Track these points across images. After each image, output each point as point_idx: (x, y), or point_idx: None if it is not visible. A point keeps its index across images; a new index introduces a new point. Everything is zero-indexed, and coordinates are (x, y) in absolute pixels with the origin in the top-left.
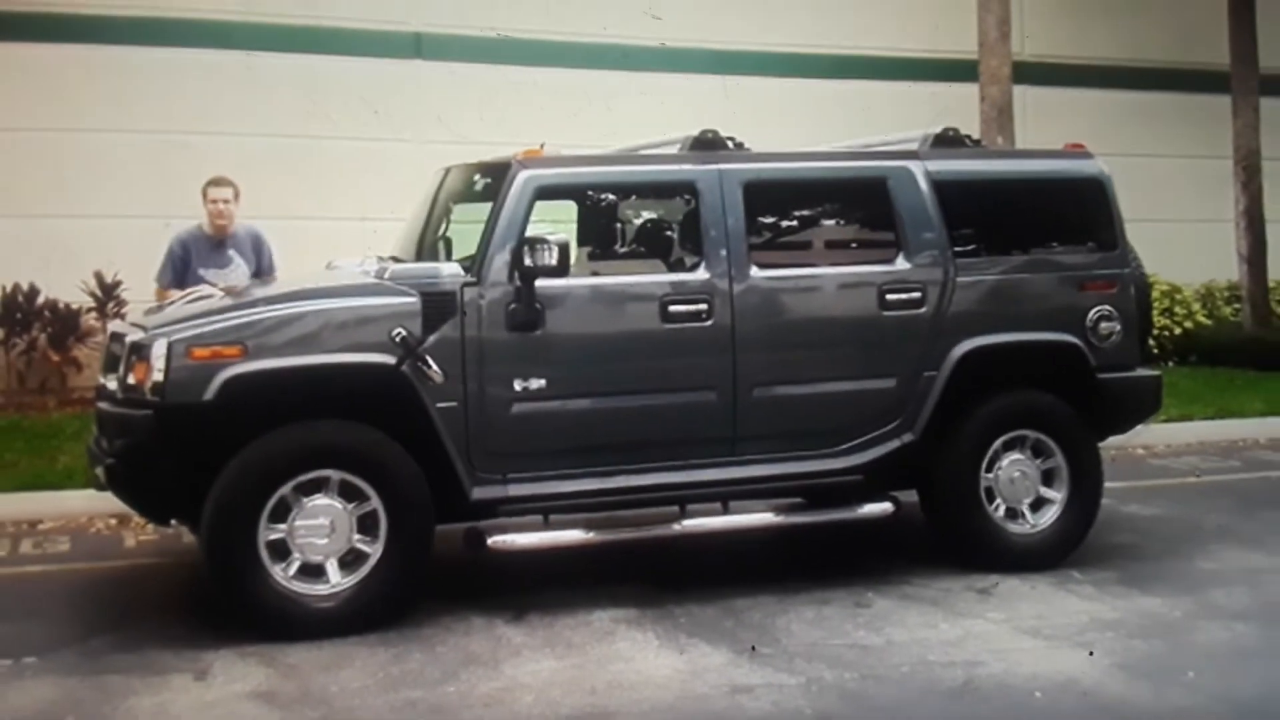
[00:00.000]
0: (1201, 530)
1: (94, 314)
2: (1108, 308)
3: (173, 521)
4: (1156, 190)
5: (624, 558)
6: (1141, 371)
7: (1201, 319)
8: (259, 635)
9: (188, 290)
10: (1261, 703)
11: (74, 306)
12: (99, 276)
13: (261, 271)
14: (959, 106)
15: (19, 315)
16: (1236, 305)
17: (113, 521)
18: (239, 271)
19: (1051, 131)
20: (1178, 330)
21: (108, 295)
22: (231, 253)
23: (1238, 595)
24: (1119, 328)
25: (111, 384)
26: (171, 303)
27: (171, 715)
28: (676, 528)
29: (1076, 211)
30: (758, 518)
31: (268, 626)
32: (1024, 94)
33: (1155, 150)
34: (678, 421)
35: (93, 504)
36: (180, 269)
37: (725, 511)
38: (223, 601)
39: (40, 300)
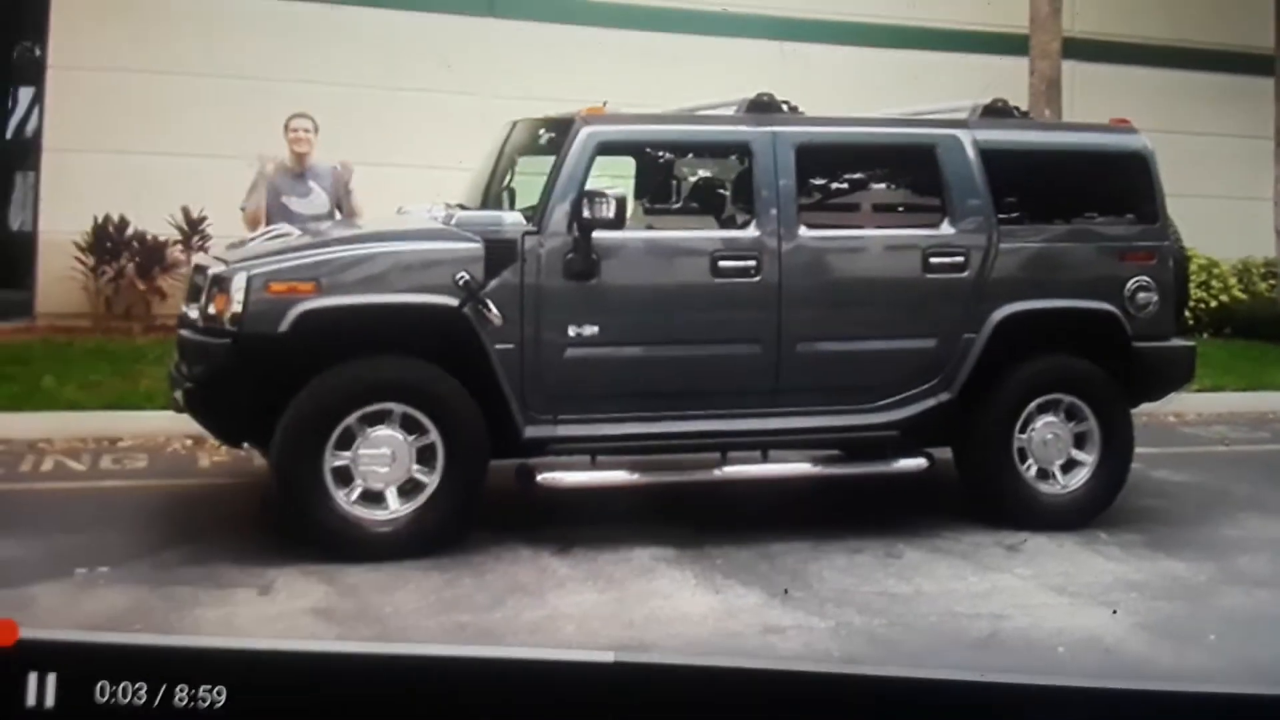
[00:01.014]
0: (1228, 498)
1: (179, 246)
2: (1146, 278)
3: (245, 445)
4: (1198, 167)
5: (666, 500)
6: (1176, 342)
7: (1238, 293)
8: (321, 555)
9: (268, 228)
10: None
11: (161, 239)
12: (185, 211)
13: (342, 208)
14: (1009, 79)
15: (109, 245)
16: (1272, 281)
17: (189, 443)
18: (319, 200)
19: (1098, 107)
20: (1214, 303)
21: (193, 229)
22: (311, 184)
23: (1261, 562)
24: (1156, 298)
25: (193, 313)
26: (253, 239)
27: (235, 626)
28: (717, 473)
29: (1119, 184)
30: (795, 467)
31: (329, 548)
32: (1072, 69)
33: (1198, 128)
34: (722, 372)
35: (171, 425)
36: (268, 194)
37: (764, 460)
38: (288, 522)
39: (129, 232)
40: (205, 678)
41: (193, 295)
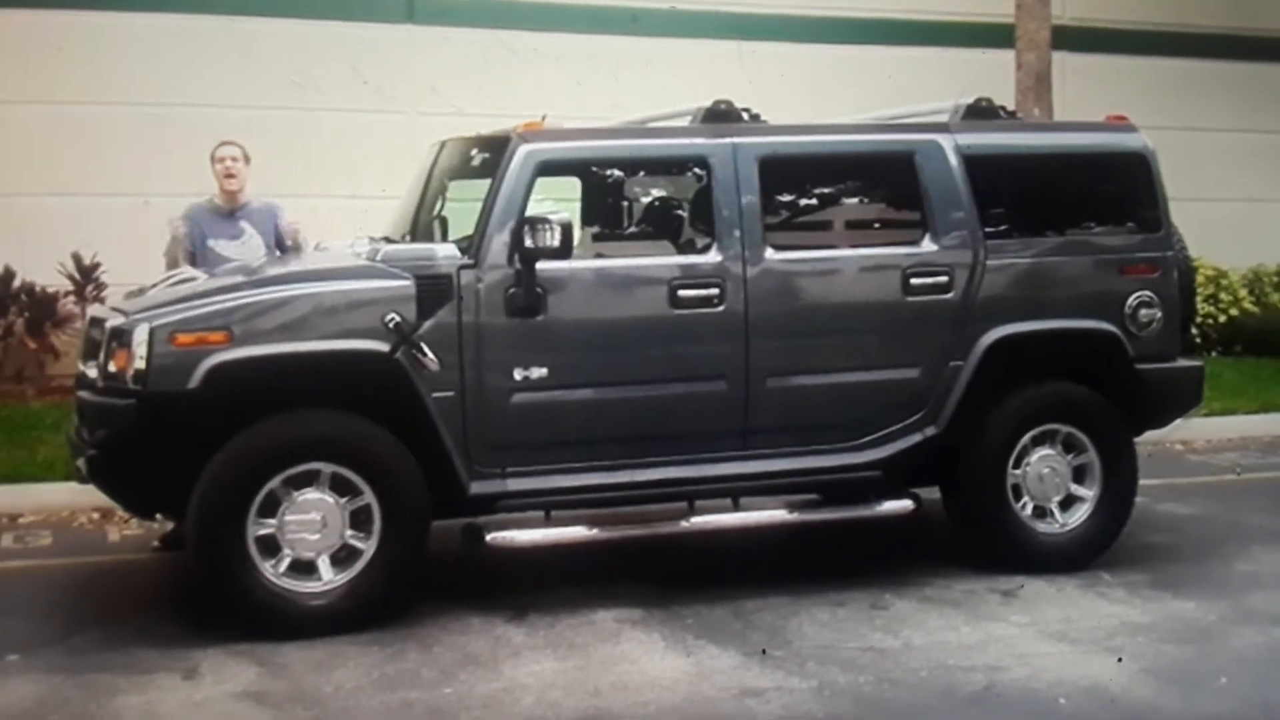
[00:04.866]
0: (1241, 530)
1: (72, 298)
2: (1148, 293)
3: (158, 515)
4: (1204, 166)
5: (629, 556)
6: (1182, 362)
7: (1248, 306)
8: (249, 634)
9: (170, 272)
10: None
11: (51, 290)
12: (77, 258)
13: (282, 248)
14: (993, 75)
15: None
16: None
17: (96, 515)
18: (253, 243)
19: (1093, 102)
20: (1222, 318)
21: (86, 278)
22: (244, 224)
23: (1276, 599)
24: (1160, 315)
25: (92, 372)
26: (153, 285)
27: (159, 715)
28: (685, 525)
29: (1117, 189)
30: (770, 515)
31: (258, 625)
32: (1063, 61)
33: (1203, 123)
34: (686, 413)
35: (75, 497)
36: (197, 243)
37: (736, 508)
38: (211, 599)
39: (16, 283)
40: None
41: (90, 352)
